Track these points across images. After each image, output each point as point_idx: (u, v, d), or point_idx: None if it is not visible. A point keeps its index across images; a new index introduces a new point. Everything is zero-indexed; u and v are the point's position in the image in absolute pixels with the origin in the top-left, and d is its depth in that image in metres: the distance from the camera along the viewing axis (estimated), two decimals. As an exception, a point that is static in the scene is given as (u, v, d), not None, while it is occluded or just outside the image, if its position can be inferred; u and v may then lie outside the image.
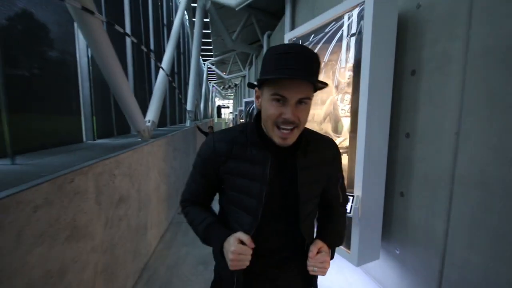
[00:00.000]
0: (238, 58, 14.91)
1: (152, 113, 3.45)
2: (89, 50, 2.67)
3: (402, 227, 1.86)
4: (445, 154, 1.52)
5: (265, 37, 7.02)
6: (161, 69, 4.02)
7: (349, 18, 1.89)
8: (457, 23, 1.44)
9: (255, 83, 0.71)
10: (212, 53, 16.71)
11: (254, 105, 4.76)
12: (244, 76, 15.86)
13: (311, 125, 2.55)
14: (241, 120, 8.28)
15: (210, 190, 0.85)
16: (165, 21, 6.79)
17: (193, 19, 8.70)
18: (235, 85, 24.54)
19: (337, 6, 1.96)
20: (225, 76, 17.82)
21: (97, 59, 2.13)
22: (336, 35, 2.12)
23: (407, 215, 1.82)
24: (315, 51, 2.34)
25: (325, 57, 2.28)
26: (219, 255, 0.75)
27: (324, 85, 0.66)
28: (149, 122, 3.24)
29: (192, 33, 8.54)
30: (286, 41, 2.64)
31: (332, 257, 0.80)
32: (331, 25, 2.11)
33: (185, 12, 7.14)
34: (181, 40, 9.12)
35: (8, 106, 1.60)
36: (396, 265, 1.91)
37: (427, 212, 1.66)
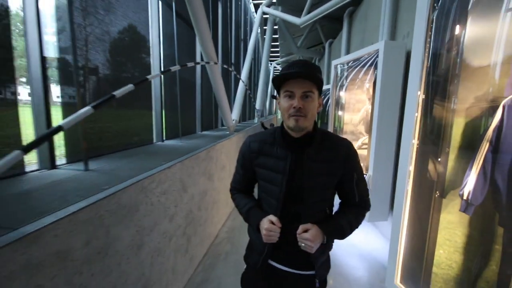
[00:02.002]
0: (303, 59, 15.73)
1: (235, 114, 4.90)
2: (200, 75, 4.23)
3: (406, 200, 2.67)
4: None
5: (327, 44, 7.79)
6: (241, 81, 5.44)
7: (373, 55, 2.78)
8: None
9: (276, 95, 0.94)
10: (278, 54, 17.97)
11: (329, 96, 5.57)
12: (308, 76, 16.56)
13: (349, 127, 3.46)
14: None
15: (250, 179, 1.05)
16: (242, 37, 8.33)
17: (264, 27, 10.07)
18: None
19: (363, 48, 2.86)
20: (290, 76, 18.70)
21: (212, 81, 3.58)
22: (368, 62, 3.01)
23: (409, 192, 2.63)
24: (355, 71, 3.24)
25: (360, 74, 3.16)
26: (256, 231, 0.95)
27: (321, 82, 0.86)
28: (233, 120, 4.67)
29: (263, 39, 9.93)
30: (333, 65, 3.60)
31: (327, 244, 0.92)
32: (362, 58, 3.00)
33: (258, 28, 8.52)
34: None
35: (180, 109, 3.16)
36: (400, 227, 2.73)
37: (418, 188, 2.46)
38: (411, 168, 1.43)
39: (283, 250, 0.97)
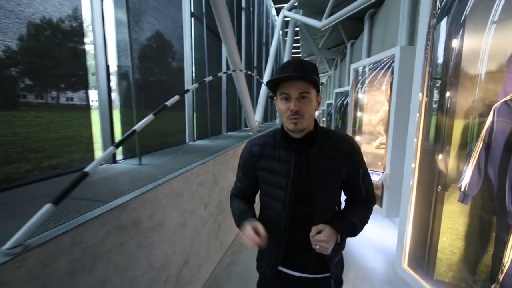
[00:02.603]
0: (324, 59, 15.70)
1: (258, 116, 5.19)
2: (225, 80, 4.58)
3: (423, 198, 2.77)
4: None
5: (348, 45, 7.82)
6: (263, 84, 5.72)
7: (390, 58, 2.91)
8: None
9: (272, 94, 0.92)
10: (300, 55, 18.09)
11: (349, 98, 5.57)
12: (330, 76, 16.45)
13: (368, 127, 3.59)
14: (323, 119, 9.32)
15: (251, 185, 1.01)
16: (264, 41, 8.62)
17: (286, 29, 10.28)
18: (322, 83, 25.13)
19: (381, 53, 3.00)
20: (312, 76, 18.73)
21: (237, 86, 3.90)
22: (386, 65, 3.13)
23: (426, 189, 2.73)
24: (373, 73, 3.37)
25: (379, 76, 3.29)
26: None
27: (316, 81, 0.83)
28: (256, 122, 4.97)
29: (284, 41, 10.14)
30: (352, 68, 3.74)
31: (340, 243, 0.91)
32: (381, 61, 3.14)
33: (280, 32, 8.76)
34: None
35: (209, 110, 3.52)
36: (418, 223, 2.83)
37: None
38: (413, 165, 1.60)
39: (295, 255, 0.94)
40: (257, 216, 1.00)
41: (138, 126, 1.25)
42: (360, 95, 3.65)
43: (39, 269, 0.80)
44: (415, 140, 1.57)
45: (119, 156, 2.14)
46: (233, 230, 2.96)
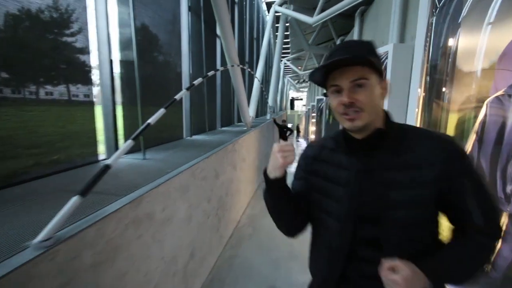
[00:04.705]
0: (313, 55, 15.84)
1: (252, 111, 5.21)
2: (220, 76, 4.57)
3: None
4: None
5: (338, 41, 7.95)
6: (256, 79, 5.74)
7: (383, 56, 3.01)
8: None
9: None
10: (289, 51, 18.15)
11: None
12: (318, 71, 16.64)
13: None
14: (313, 114, 9.46)
15: (300, 192, 0.80)
16: (255, 35, 8.59)
17: (276, 25, 10.27)
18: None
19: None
20: (300, 72, 18.91)
21: (233, 81, 3.89)
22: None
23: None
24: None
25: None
26: (268, 189, 0.75)
27: (374, 63, 0.63)
28: (251, 116, 4.99)
29: (275, 36, 10.11)
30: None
31: None
32: (373, 58, 3.24)
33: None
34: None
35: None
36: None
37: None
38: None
39: (357, 286, 0.70)
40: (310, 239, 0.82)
41: (152, 120, 1.26)
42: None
43: (69, 262, 0.81)
44: (414, 133, 1.67)
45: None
46: (231, 224, 3.01)
